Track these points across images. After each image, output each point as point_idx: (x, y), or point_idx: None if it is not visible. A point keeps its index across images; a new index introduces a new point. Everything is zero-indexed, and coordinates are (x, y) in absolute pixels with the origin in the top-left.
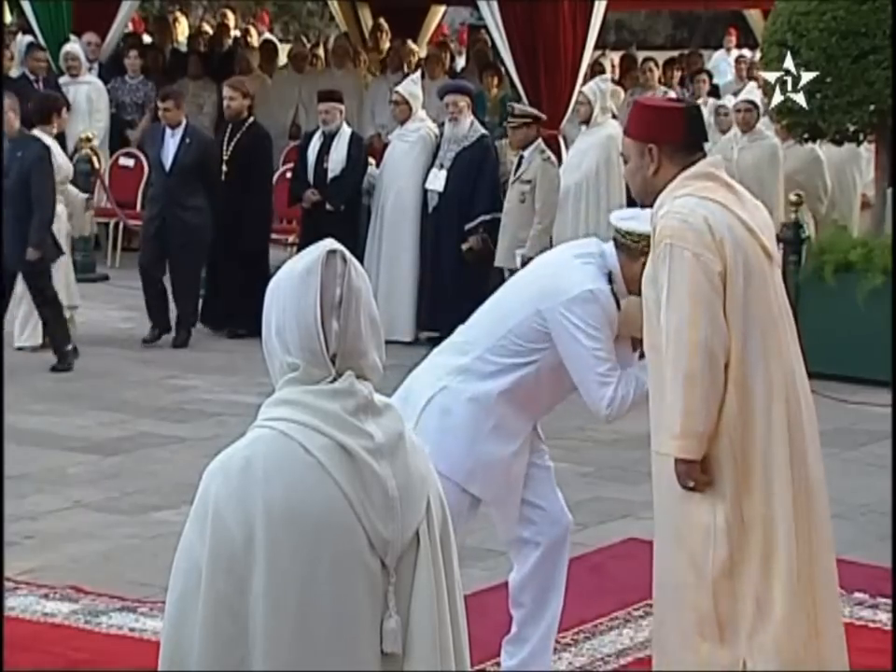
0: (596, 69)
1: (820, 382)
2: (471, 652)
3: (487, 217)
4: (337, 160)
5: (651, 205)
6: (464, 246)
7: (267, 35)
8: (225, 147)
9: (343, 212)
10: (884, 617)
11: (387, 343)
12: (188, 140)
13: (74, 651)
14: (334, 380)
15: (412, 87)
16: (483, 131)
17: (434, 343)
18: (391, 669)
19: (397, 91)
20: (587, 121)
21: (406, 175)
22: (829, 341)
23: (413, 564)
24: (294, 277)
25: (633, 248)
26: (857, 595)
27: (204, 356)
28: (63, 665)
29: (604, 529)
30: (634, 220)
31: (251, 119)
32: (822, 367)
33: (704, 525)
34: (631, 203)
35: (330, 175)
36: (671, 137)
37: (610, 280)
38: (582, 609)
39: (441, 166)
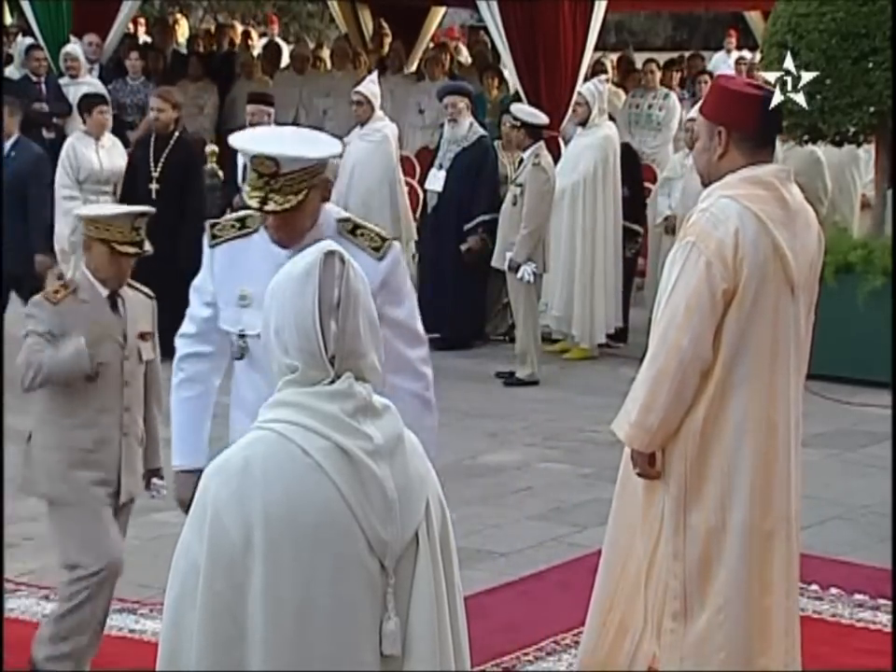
0: (598, 69)
1: (821, 383)
2: (471, 654)
3: (486, 218)
4: None
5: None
6: (463, 247)
7: (272, 37)
8: (153, 164)
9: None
10: (884, 618)
11: None
12: (12, 154)
13: None
14: (333, 381)
15: (372, 87)
16: (483, 132)
17: (434, 343)
18: (391, 670)
19: (358, 92)
20: (584, 123)
21: (376, 173)
22: (829, 342)
23: (412, 565)
24: (292, 279)
25: None
26: (857, 596)
27: None
28: None
29: (604, 531)
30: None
31: (177, 132)
32: (822, 368)
33: (655, 505)
34: (627, 205)
35: None
36: (742, 125)
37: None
38: (582, 611)
39: (441, 167)
